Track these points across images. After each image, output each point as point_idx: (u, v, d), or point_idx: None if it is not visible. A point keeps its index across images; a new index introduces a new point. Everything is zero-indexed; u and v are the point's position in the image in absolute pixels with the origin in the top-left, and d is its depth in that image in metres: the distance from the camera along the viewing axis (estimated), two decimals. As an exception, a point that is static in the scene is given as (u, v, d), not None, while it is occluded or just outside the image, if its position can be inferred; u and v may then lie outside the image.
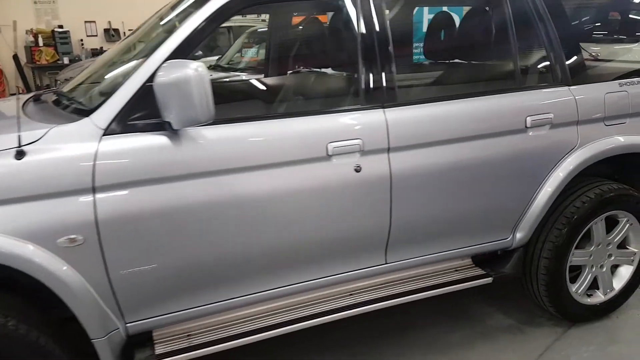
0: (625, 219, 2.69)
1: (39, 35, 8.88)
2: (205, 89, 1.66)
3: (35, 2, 8.94)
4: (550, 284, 2.60)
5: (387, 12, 2.17)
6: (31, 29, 8.93)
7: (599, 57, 2.85)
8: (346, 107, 2.14)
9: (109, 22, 9.54)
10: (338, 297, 2.31)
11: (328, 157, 2.00)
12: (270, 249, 2.03)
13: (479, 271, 2.55)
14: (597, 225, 2.62)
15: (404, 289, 2.39)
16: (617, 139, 2.53)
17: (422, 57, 2.90)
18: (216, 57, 6.98)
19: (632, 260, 2.80)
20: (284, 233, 2.02)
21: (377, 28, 2.12)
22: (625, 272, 2.83)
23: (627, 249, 2.80)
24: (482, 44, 2.51)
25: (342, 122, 2.06)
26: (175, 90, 1.66)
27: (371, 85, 2.13)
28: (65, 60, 8.86)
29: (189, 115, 1.69)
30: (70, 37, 9.13)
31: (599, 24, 3.06)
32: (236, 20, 7.65)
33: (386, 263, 2.31)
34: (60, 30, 9.02)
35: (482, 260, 2.62)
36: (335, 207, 2.08)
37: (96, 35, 9.55)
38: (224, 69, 6.31)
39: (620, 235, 2.71)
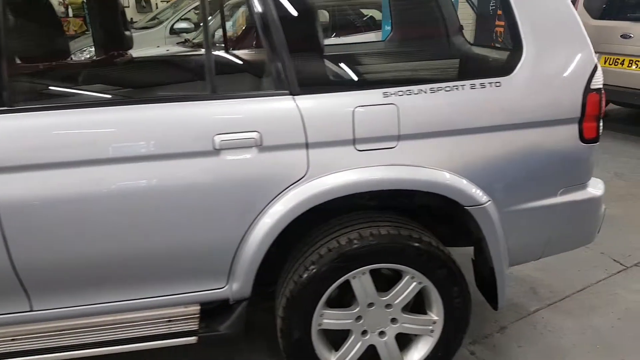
0: (409, 276, 1.98)
1: (69, 6, 9.02)
2: None
3: (68, -26, 9.16)
4: (291, 351, 1.99)
5: None
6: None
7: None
8: None
9: (142, -7, 9.61)
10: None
11: None
12: None
13: (191, 326, 2.00)
14: (358, 281, 1.94)
15: (72, 341, 1.91)
16: (372, 170, 1.84)
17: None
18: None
19: (432, 331, 2.09)
20: None
21: None
22: (421, 346, 2.12)
23: (427, 314, 2.09)
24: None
25: None
26: None
27: None
28: (93, 31, 9.05)
29: None
30: (100, 9, 9.33)
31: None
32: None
33: (32, 310, 1.85)
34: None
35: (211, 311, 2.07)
36: None
37: (128, 7, 9.48)
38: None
39: (404, 296, 2.01)
